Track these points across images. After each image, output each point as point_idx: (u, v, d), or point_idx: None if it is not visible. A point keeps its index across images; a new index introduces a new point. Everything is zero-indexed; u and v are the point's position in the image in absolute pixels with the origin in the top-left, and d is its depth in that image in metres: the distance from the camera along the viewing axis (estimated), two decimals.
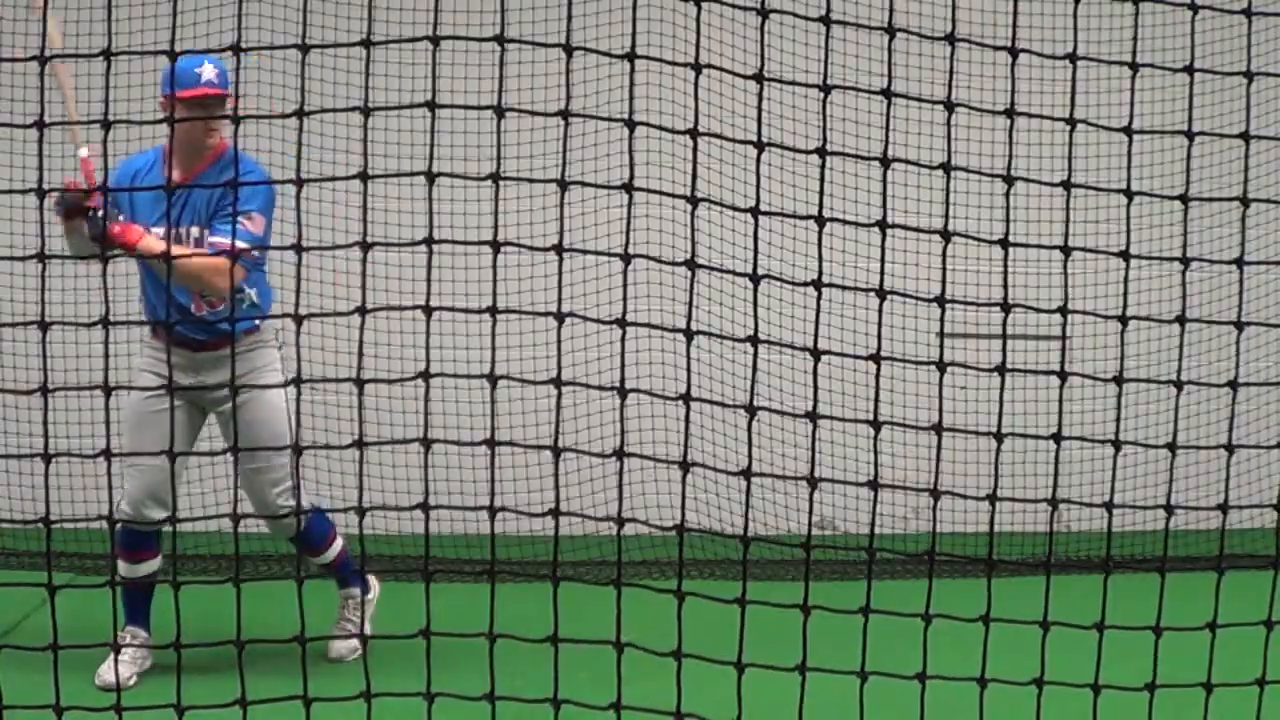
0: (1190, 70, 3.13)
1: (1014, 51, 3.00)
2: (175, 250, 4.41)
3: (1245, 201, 3.24)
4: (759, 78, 2.87)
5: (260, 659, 3.45)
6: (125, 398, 4.69)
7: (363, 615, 4.96)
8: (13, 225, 5.52)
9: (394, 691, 2.83)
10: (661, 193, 3.00)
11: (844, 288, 3.06)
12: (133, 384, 4.62)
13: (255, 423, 4.54)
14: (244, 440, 4.24)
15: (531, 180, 2.94)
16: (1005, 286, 3.05)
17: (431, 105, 2.76)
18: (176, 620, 3.17)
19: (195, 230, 4.58)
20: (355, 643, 4.85)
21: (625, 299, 2.87)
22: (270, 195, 4.62)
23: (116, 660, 3.07)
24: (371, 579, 5.03)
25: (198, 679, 3.31)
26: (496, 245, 2.82)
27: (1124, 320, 3.10)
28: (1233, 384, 3.18)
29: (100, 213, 4.36)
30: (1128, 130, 3.11)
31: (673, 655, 2.80)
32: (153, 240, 4.43)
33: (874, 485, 2.91)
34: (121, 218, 4.52)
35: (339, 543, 4.93)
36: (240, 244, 4.43)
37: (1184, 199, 3.14)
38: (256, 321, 4.69)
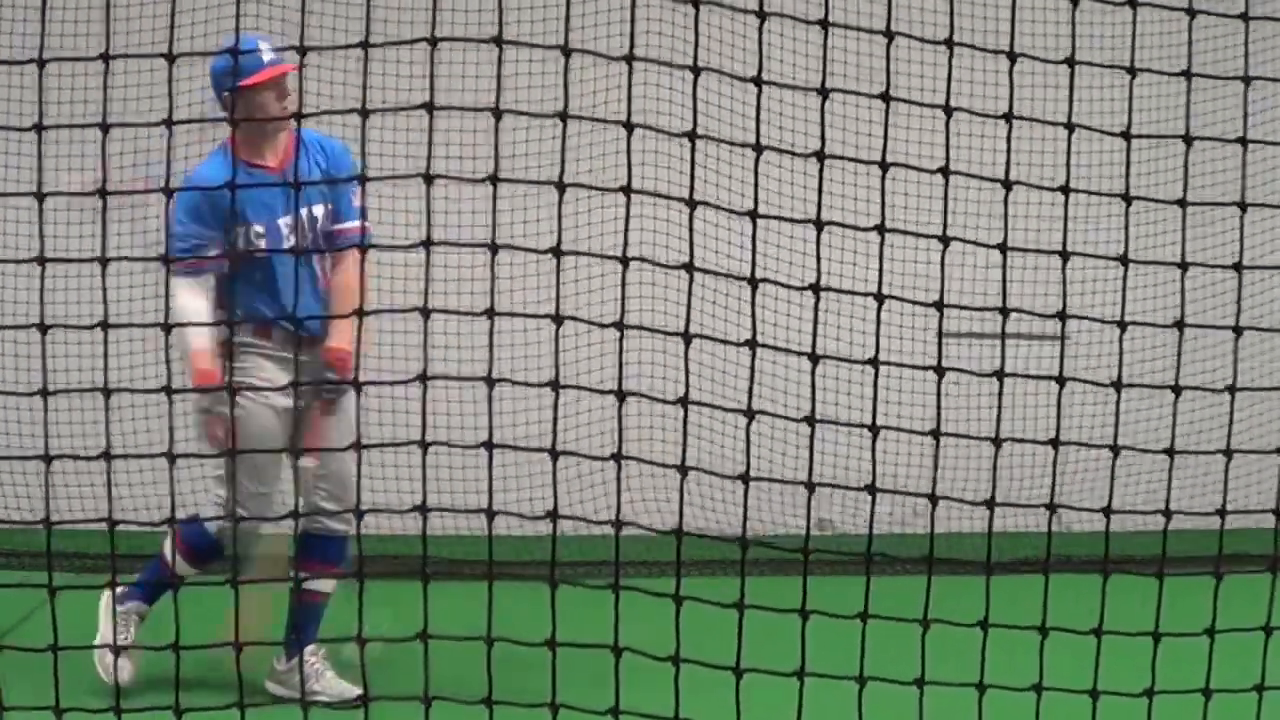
0: (1188, 75, 3.14)
1: (1013, 56, 3.00)
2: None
3: (1243, 206, 3.24)
4: (757, 80, 2.87)
5: (259, 662, 3.48)
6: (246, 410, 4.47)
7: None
8: (17, 227, 5.52)
9: (391, 695, 2.83)
10: (659, 195, 3.00)
11: (842, 291, 3.06)
12: (250, 389, 4.42)
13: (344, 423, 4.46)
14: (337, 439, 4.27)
15: (529, 182, 2.94)
16: (1004, 291, 3.06)
17: (429, 107, 2.77)
18: (175, 624, 3.17)
19: (319, 209, 4.49)
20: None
21: (623, 301, 2.87)
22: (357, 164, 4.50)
23: (115, 661, 3.08)
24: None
25: (196, 682, 3.32)
26: (494, 247, 2.82)
27: (1122, 325, 3.11)
28: (1231, 389, 3.18)
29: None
30: (1126, 135, 3.11)
31: (670, 659, 2.80)
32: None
33: (872, 490, 2.92)
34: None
35: (331, 585, 4.67)
36: (363, 223, 4.38)
37: (1182, 203, 3.15)
38: None
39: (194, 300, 4.37)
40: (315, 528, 4.57)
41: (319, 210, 4.50)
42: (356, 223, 4.46)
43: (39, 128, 2.76)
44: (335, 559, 4.71)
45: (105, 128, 2.82)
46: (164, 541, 4.70)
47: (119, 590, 4.64)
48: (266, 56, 4.43)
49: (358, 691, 4.29)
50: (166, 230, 4.37)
